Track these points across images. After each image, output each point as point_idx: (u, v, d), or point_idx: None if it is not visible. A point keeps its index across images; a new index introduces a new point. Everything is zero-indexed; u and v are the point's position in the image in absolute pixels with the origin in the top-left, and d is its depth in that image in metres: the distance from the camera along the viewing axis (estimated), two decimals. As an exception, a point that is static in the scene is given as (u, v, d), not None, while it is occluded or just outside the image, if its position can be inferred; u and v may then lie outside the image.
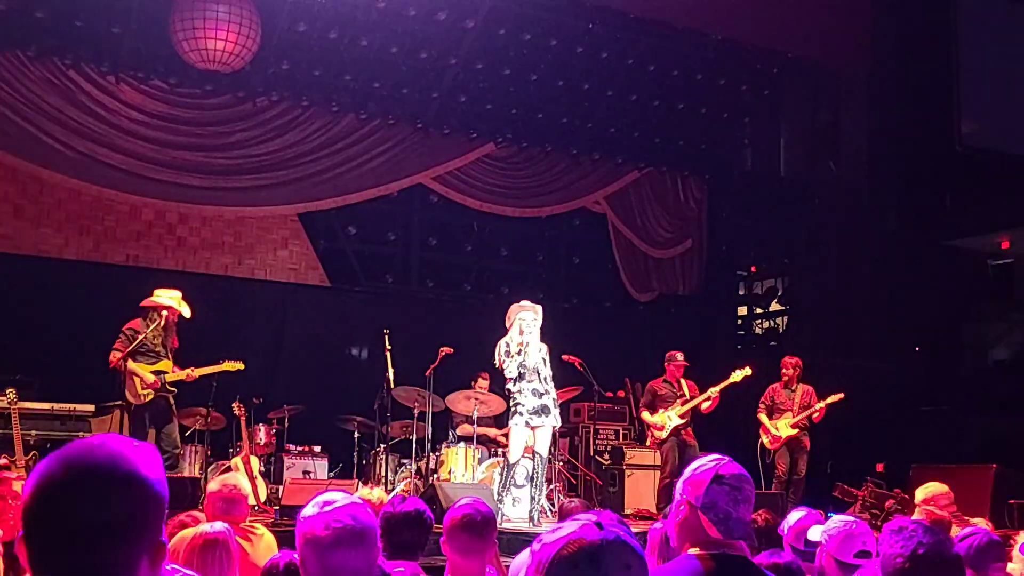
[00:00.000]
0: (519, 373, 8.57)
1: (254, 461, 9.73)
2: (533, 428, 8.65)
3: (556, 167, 13.68)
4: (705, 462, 2.78)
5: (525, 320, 8.63)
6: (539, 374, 8.64)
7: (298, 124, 12.02)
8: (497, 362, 8.68)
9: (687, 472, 2.80)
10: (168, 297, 8.77)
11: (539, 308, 8.78)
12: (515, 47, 12.04)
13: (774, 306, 15.10)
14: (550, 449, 8.96)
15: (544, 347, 8.69)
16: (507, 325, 8.73)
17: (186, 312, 8.84)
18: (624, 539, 1.64)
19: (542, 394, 8.62)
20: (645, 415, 10.35)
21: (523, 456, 8.91)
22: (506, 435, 9.55)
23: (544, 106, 13.05)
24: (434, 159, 12.80)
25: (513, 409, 8.65)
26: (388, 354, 9.87)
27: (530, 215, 13.68)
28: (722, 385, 10.04)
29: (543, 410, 8.60)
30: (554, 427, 8.83)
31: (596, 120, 13.46)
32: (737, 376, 10.00)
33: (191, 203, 11.57)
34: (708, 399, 10.03)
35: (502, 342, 8.67)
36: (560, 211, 13.86)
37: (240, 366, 8.98)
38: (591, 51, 12.30)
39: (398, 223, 13.31)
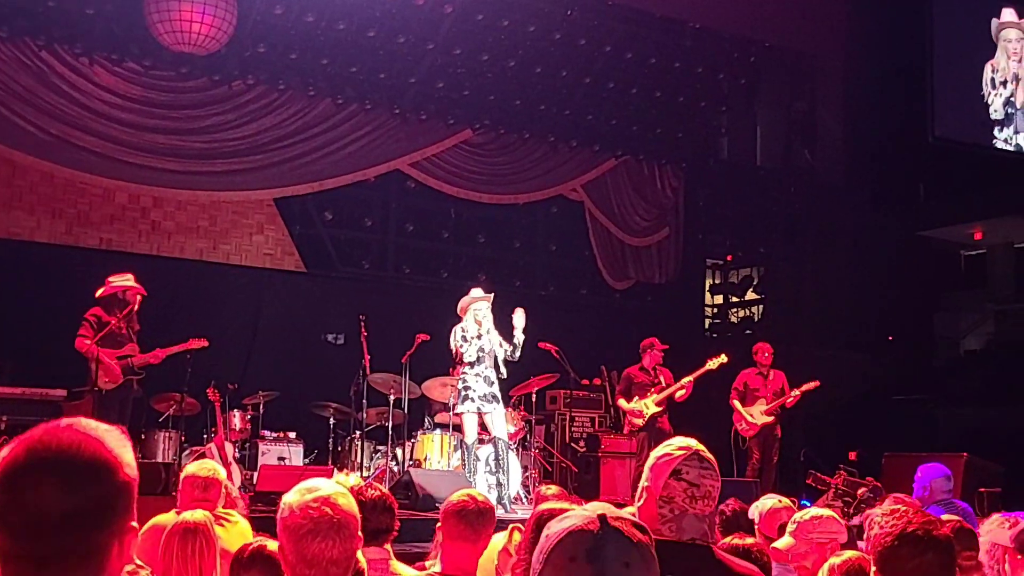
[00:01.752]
0: (477, 357, 8.69)
1: (228, 447, 9.68)
2: (484, 414, 8.75)
3: (533, 154, 13.65)
4: (671, 450, 2.69)
5: (480, 310, 8.77)
6: (495, 360, 8.75)
7: (274, 108, 11.91)
8: (453, 348, 8.77)
9: (652, 456, 2.72)
10: (124, 280, 8.70)
11: (491, 296, 8.89)
12: (493, 33, 11.98)
13: (750, 295, 15.16)
14: (528, 438, 9.01)
15: (495, 332, 8.83)
16: (460, 314, 8.88)
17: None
18: (627, 535, 1.56)
19: (492, 382, 8.80)
20: (622, 402, 10.39)
21: (485, 442, 9.01)
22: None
23: (522, 93, 13.01)
24: (411, 145, 12.73)
25: (464, 394, 8.77)
26: (364, 340, 9.85)
27: (507, 202, 13.66)
28: (698, 373, 10.09)
29: (492, 397, 8.73)
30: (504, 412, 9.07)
31: (574, 107, 13.43)
32: (713, 364, 10.06)
33: (166, 187, 11.44)
34: (683, 388, 10.08)
35: (457, 328, 8.84)
36: (537, 198, 13.84)
37: (204, 344, 8.96)
38: (569, 38, 12.26)
39: (375, 209, 13.24)
